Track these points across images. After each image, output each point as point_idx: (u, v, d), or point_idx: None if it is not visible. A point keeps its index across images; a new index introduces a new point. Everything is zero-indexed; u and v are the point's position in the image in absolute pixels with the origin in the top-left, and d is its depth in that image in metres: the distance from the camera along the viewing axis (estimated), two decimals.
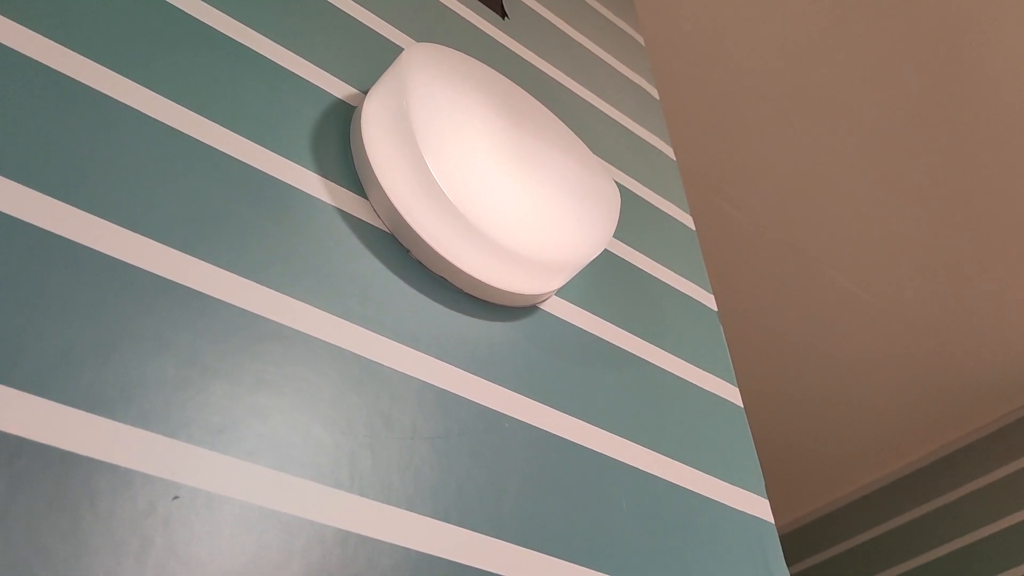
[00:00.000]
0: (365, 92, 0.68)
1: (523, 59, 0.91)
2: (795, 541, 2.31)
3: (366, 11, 0.75)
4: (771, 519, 0.70)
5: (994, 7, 1.26)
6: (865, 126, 1.48)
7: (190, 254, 0.48)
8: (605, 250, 0.78)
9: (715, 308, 0.86)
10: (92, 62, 0.52)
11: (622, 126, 0.98)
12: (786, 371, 2.04)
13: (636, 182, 0.91)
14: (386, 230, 0.61)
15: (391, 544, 0.46)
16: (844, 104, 1.46)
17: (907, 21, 1.32)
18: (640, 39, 1.23)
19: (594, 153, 0.87)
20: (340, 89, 0.67)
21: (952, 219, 1.58)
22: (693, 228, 0.94)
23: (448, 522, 0.50)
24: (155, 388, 0.42)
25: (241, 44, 0.62)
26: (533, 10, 1.01)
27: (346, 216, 0.59)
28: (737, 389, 0.79)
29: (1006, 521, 1.73)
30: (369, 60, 0.71)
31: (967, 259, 1.64)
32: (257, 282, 0.50)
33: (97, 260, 0.45)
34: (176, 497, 0.40)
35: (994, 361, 1.84)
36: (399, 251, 0.60)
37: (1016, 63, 1.31)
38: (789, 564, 2.26)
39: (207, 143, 0.55)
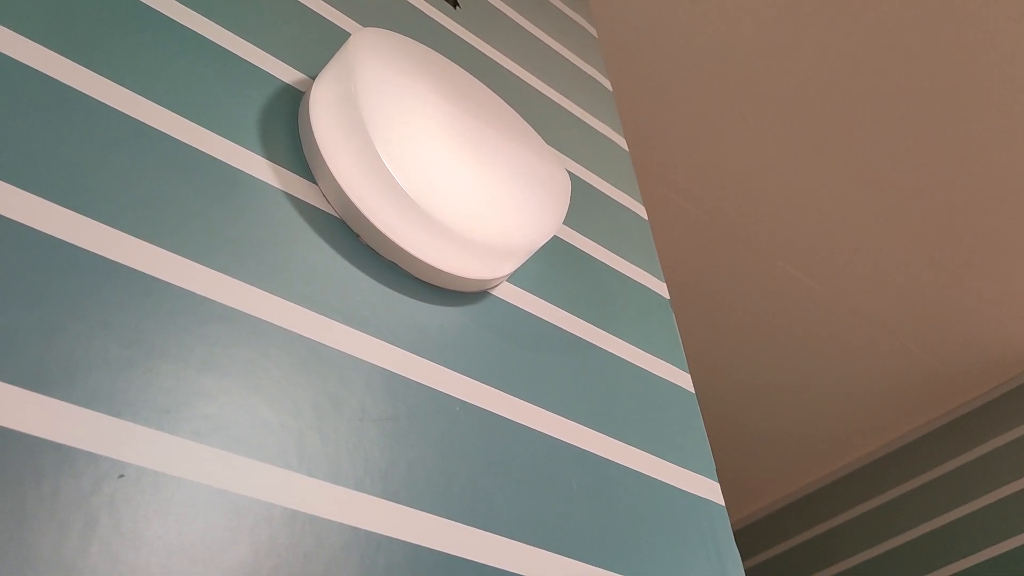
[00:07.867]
0: (313, 77, 0.68)
1: (475, 48, 0.91)
2: (754, 533, 2.33)
3: None
4: (721, 501, 0.71)
5: None
6: (817, 118, 1.50)
7: (135, 236, 0.48)
8: (557, 238, 0.79)
9: (667, 296, 0.87)
10: (31, 41, 0.52)
11: (575, 116, 0.98)
12: (739, 364, 2.06)
13: (589, 172, 0.91)
14: (336, 215, 0.61)
15: (340, 524, 0.46)
16: (796, 96, 1.48)
17: (858, 14, 1.34)
18: (593, 31, 1.24)
19: (547, 143, 0.87)
20: (288, 74, 0.66)
21: (904, 212, 1.60)
22: (646, 217, 0.95)
23: (398, 502, 0.50)
24: (100, 368, 0.42)
25: (188, 28, 0.62)
26: (485, 0, 1.01)
27: (295, 201, 0.59)
28: (688, 375, 0.80)
29: (963, 510, 1.76)
30: (317, 46, 0.71)
31: (920, 251, 1.66)
32: (203, 264, 0.50)
33: (42, 241, 0.44)
34: (122, 476, 0.40)
35: (946, 353, 1.87)
36: (349, 236, 0.61)
37: (968, 55, 1.34)
38: (748, 557, 2.28)
39: (153, 126, 0.54)
